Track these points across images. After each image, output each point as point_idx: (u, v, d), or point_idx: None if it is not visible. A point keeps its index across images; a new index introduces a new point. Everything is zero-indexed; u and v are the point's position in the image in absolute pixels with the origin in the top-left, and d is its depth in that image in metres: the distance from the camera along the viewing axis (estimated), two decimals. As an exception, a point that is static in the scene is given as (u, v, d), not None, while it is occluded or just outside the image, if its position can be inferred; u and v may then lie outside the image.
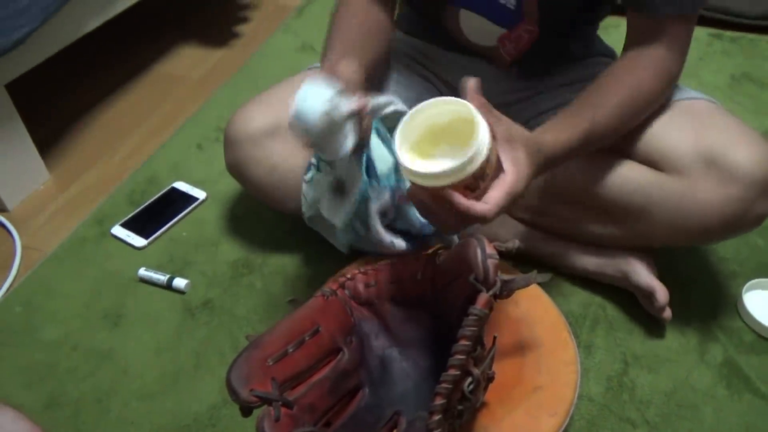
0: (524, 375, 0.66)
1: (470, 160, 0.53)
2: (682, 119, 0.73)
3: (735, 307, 0.84)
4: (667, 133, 0.73)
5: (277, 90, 0.84)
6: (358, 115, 0.59)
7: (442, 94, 0.90)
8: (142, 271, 0.89)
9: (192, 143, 1.14)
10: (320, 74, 0.60)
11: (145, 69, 1.38)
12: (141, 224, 0.97)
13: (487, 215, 0.57)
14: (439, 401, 0.49)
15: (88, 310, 0.85)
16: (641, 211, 0.74)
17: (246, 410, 0.51)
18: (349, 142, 0.59)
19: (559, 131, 0.66)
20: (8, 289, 0.90)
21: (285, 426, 0.50)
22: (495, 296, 0.52)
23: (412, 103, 0.76)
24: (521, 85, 0.86)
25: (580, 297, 0.85)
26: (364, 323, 0.64)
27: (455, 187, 0.54)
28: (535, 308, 0.72)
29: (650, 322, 0.81)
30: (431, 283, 0.63)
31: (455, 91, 0.88)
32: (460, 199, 0.55)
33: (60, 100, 1.28)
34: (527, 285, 0.56)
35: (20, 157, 1.04)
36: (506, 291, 0.54)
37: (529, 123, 0.86)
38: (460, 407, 0.53)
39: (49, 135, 1.18)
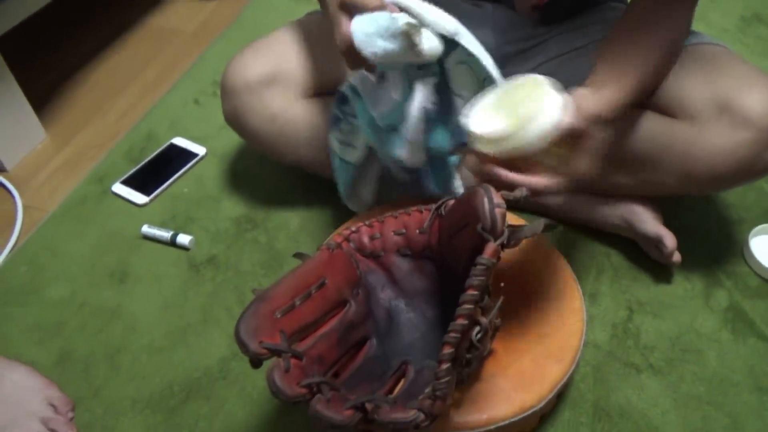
0: (530, 323, 0.66)
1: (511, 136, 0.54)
2: (694, 65, 0.71)
3: (741, 252, 0.84)
4: (678, 79, 0.71)
5: (274, 37, 0.81)
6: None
7: None
8: (146, 228, 0.88)
9: (189, 98, 1.12)
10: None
11: (137, 22, 1.34)
12: (141, 181, 0.96)
13: (553, 188, 0.57)
14: (448, 350, 0.49)
15: (93, 268, 0.85)
16: (651, 158, 0.73)
17: (256, 362, 0.51)
18: (432, 36, 0.58)
19: (616, 86, 0.64)
20: (12, 249, 0.90)
21: (294, 377, 0.50)
22: (502, 245, 0.51)
23: None
24: (533, 32, 0.83)
25: (585, 246, 0.84)
26: (370, 275, 0.64)
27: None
28: (540, 257, 0.72)
29: (655, 269, 0.81)
30: (437, 234, 0.62)
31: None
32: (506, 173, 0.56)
33: (51, 57, 1.25)
34: (535, 234, 0.55)
35: (16, 116, 1.02)
36: (513, 240, 0.54)
37: (539, 68, 0.84)
38: (468, 356, 0.53)
39: (43, 93, 1.16)
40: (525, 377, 0.62)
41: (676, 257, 0.77)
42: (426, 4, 0.61)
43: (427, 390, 0.49)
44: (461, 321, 0.49)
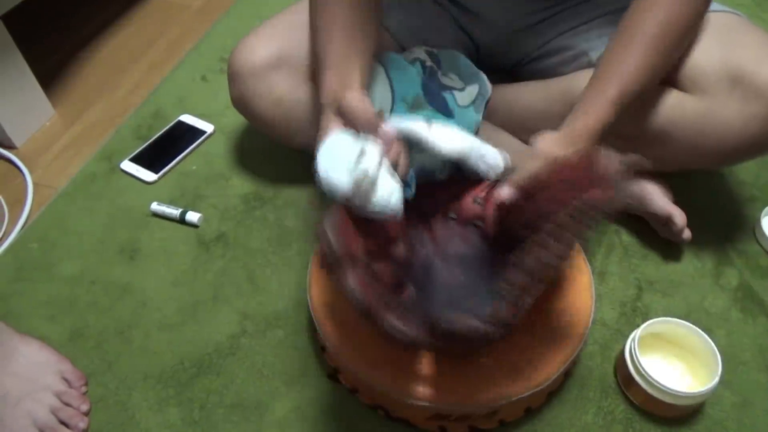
0: (539, 301, 0.65)
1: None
2: (707, 35, 0.69)
3: (752, 231, 0.83)
4: (694, 49, 0.69)
5: (279, 19, 0.80)
6: (389, 155, 0.57)
7: (454, 16, 0.86)
8: (155, 206, 0.89)
9: (196, 75, 1.11)
10: (332, 124, 0.57)
11: (143, -2, 1.33)
12: (150, 159, 0.96)
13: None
14: (530, 257, 0.49)
15: (103, 245, 0.86)
16: (661, 133, 0.72)
17: (333, 264, 0.49)
18: (395, 193, 0.56)
19: (588, 114, 0.63)
20: (23, 226, 0.90)
21: (366, 286, 0.49)
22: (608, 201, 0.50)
23: (419, 31, 0.72)
24: (543, 6, 0.82)
25: (594, 224, 0.84)
26: (413, 230, 0.64)
27: None
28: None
29: (665, 248, 0.81)
30: (497, 207, 0.62)
31: (467, 13, 0.85)
32: None
33: (58, 34, 1.24)
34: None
35: (24, 93, 1.02)
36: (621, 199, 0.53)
37: (550, 44, 0.83)
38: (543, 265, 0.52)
39: (51, 70, 1.15)
40: (533, 355, 0.62)
41: (686, 234, 0.76)
42: (436, 128, 0.57)
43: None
44: (547, 235, 0.49)
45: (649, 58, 0.64)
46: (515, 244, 0.53)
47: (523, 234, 0.54)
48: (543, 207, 0.56)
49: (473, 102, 0.77)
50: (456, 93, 0.75)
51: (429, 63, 0.75)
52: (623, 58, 0.64)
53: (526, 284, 0.50)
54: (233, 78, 0.79)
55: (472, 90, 0.77)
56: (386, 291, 0.52)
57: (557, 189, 0.55)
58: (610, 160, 0.50)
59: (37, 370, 0.69)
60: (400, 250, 0.59)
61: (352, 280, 0.49)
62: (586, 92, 0.65)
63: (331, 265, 0.50)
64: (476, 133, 0.80)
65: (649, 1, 0.65)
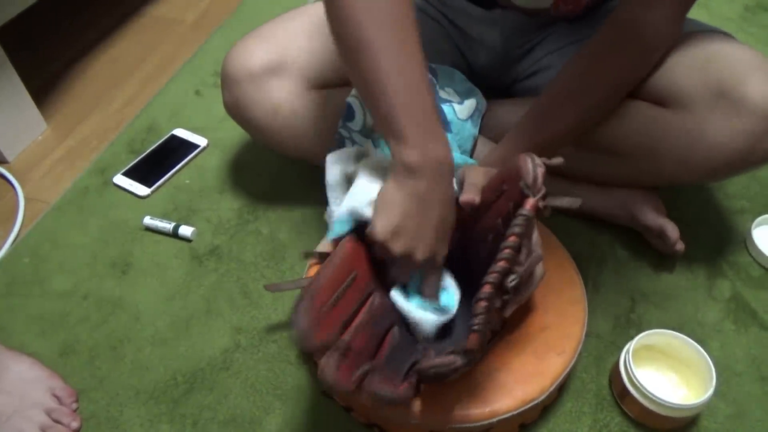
0: (532, 315, 0.66)
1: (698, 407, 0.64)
2: (690, 53, 0.70)
3: (744, 242, 0.83)
4: (674, 68, 0.70)
5: (277, 24, 0.78)
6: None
7: (454, 39, 0.86)
8: (148, 220, 0.88)
9: (189, 89, 1.11)
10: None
11: (137, 12, 1.33)
12: (143, 173, 0.96)
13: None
14: (487, 290, 0.51)
15: (95, 259, 0.85)
16: (648, 149, 0.72)
17: (312, 355, 0.52)
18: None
19: (513, 149, 0.71)
20: (14, 241, 0.90)
21: (345, 370, 0.51)
22: (538, 209, 0.53)
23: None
24: (533, 35, 0.83)
25: (587, 236, 0.84)
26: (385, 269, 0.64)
27: None
28: (541, 248, 0.72)
29: (658, 260, 0.81)
30: (455, 226, 0.63)
31: (467, 37, 0.86)
32: None
33: (51, 48, 1.24)
34: (569, 208, 0.55)
35: (16, 107, 1.02)
36: (549, 206, 0.54)
37: (539, 62, 0.84)
38: (504, 297, 0.54)
39: (44, 84, 1.15)
40: (527, 370, 0.62)
41: (680, 246, 0.77)
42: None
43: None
44: (502, 264, 0.51)
45: (581, 121, 0.71)
46: (475, 262, 0.56)
47: (477, 249, 0.57)
48: (486, 220, 0.59)
49: (471, 116, 0.78)
50: (455, 106, 0.75)
51: (428, 76, 0.75)
52: (558, 115, 0.71)
53: (489, 312, 0.52)
54: (228, 82, 0.76)
55: (470, 104, 0.78)
56: (364, 360, 0.54)
57: (494, 200, 0.58)
58: (534, 165, 0.53)
59: (27, 387, 0.68)
60: (377, 300, 0.59)
61: (330, 365, 0.50)
62: (509, 137, 0.73)
63: (307, 356, 0.53)
64: (473, 146, 0.81)
65: (597, 66, 0.69)
